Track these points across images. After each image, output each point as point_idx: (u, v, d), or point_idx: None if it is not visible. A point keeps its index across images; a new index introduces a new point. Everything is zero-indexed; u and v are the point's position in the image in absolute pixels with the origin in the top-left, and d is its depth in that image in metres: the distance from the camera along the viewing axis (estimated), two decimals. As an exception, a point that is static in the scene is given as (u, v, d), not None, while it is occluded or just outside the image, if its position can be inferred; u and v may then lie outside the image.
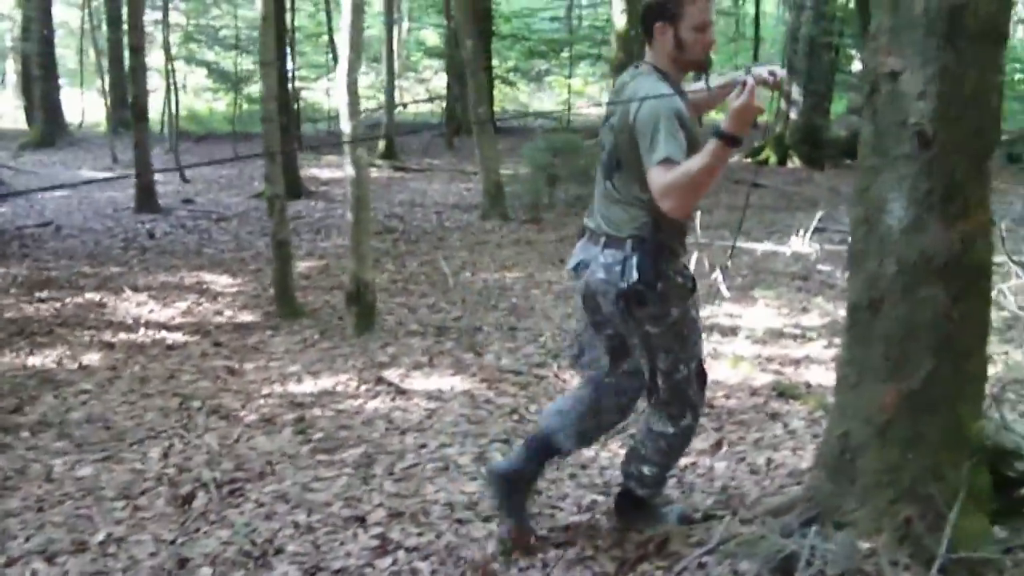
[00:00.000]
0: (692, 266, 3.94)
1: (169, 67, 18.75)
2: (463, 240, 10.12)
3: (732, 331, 6.43)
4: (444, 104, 23.32)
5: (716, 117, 3.41)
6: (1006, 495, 3.09)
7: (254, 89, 20.94)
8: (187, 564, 3.58)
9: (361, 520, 3.83)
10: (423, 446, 4.61)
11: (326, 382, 5.73)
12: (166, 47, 18.44)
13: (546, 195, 11.62)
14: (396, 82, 30.53)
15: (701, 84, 3.35)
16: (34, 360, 6.37)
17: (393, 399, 5.37)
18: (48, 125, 21.80)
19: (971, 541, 2.88)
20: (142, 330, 7.03)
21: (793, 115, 16.53)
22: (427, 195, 13.59)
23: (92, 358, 6.39)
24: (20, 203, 13.68)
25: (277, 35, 12.64)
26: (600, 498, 3.89)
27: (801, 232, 9.16)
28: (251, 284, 8.35)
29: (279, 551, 3.62)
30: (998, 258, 7.47)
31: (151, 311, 7.57)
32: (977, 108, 2.86)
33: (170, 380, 5.93)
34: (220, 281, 8.55)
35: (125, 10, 22.91)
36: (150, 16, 21.24)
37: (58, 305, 7.78)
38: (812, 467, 3.44)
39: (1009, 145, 17.31)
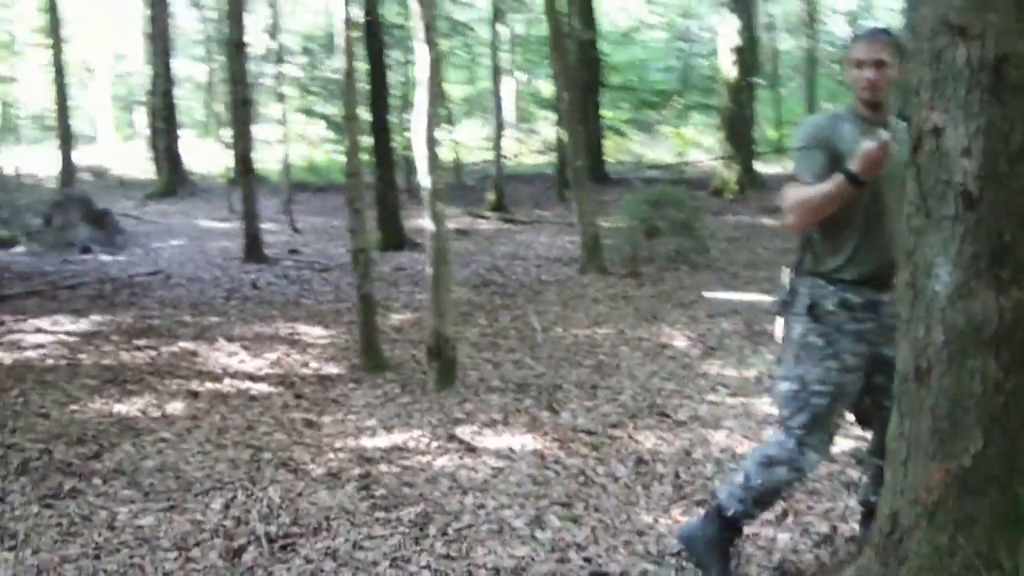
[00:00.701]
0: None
1: (284, 119, 19.20)
2: (559, 294, 10.06)
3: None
4: (556, 156, 23.36)
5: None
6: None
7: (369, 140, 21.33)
8: (226, 622, 3.57)
9: (405, 582, 3.77)
10: (481, 506, 4.54)
11: (398, 437, 5.70)
12: (279, 99, 18.88)
13: (646, 248, 11.49)
14: (512, 133, 31.00)
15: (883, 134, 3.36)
16: (120, 407, 6.48)
17: (462, 457, 5.31)
18: (170, 176, 22.57)
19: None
20: (228, 380, 7.12)
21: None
22: (531, 247, 13.58)
23: (176, 407, 6.48)
24: (138, 252, 14.14)
25: (376, 88, 12.92)
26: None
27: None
28: (343, 336, 8.41)
29: (318, 612, 3.58)
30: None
31: (241, 361, 7.67)
32: (1023, 163, 2.71)
33: (247, 431, 5.97)
34: (313, 332, 8.63)
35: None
36: (272, 69, 21.85)
37: (153, 353, 7.93)
38: (866, 545, 3.27)
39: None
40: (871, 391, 3.56)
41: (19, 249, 13.66)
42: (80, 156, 28.89)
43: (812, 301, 3.54)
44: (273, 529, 4.37)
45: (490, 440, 5.58)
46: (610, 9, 31.22)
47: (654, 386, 6.57)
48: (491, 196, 17.34)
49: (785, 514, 4.31)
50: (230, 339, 8.39)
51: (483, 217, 16.61)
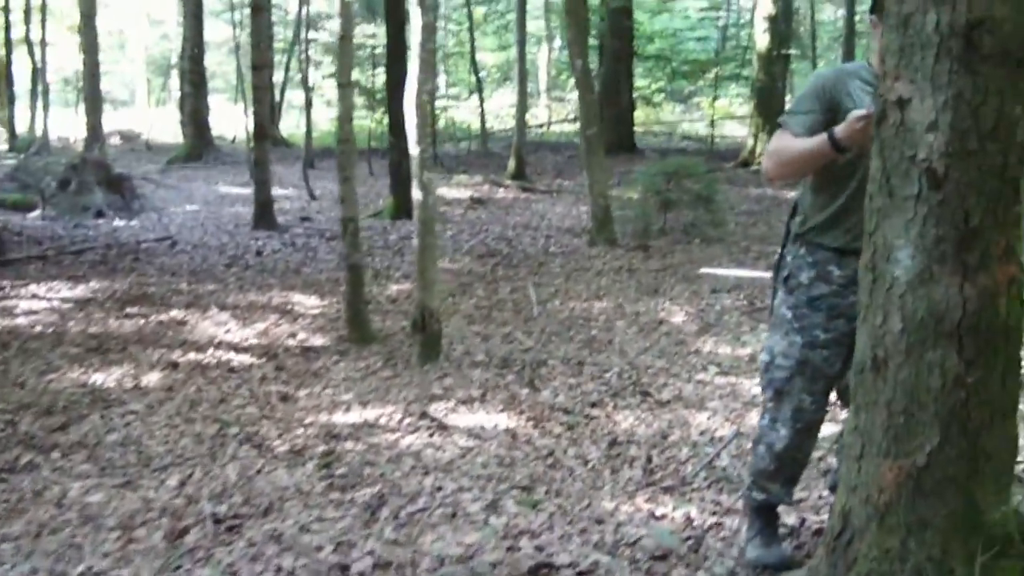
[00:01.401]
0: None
1: (306, 83, 19.00)
2: (564, 266, 9.80)
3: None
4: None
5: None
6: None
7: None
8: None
9: (344, 569, 3.57)
10: (440, 488, 4.33)
11: (371, 413, 5.51)
12: (302, 65, 18.67)
13: (659, 221, 11.21)
14: (544, 101, 30.69)
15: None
16: (97, 377, 6.33)
17: (431, 435, 5.11)
18: (196, 140, 22.40)
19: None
20: (211, 351, 6.95)
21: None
22: (545, 217, 13.31)
23: (152, 378, 6.32)
24: (153, 216, 14.02)
25: (393, 53, 12.64)
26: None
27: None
28: (336, 306, 8.20)
29: (247, 600, 3.40)
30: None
31: (227, 331, 7.50)
32: (997, 142, 2.44)
33: (219, 405, 5.81)
34: (307, 302, 8.44)
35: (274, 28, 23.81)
36: (303, 33, 21.67)
37: (142, 322, 7.78)
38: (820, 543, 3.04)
39: None
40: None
41: (35, 213, 13.55)
42: (114, 120, 29.00)
43: (789, 271, 3.36)
44: (223, 509, 4.20)
45: (463, 418, 5.38)
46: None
47: (642, 364, 6.33)
48: (512, 164, 17.05)
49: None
50: (222, 308, 8.22)
51: (502, 185, 16.34)
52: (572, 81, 28.92)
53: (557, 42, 30.63)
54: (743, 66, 23.76)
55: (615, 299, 8.25)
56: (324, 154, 20.71)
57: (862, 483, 2.67)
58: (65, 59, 30.40)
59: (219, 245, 11.46)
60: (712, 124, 23.80)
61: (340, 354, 6.83)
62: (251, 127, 20.39)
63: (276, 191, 15.87)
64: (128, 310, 8.12)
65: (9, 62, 26.17)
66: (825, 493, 4.01)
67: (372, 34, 22.13)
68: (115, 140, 25.80)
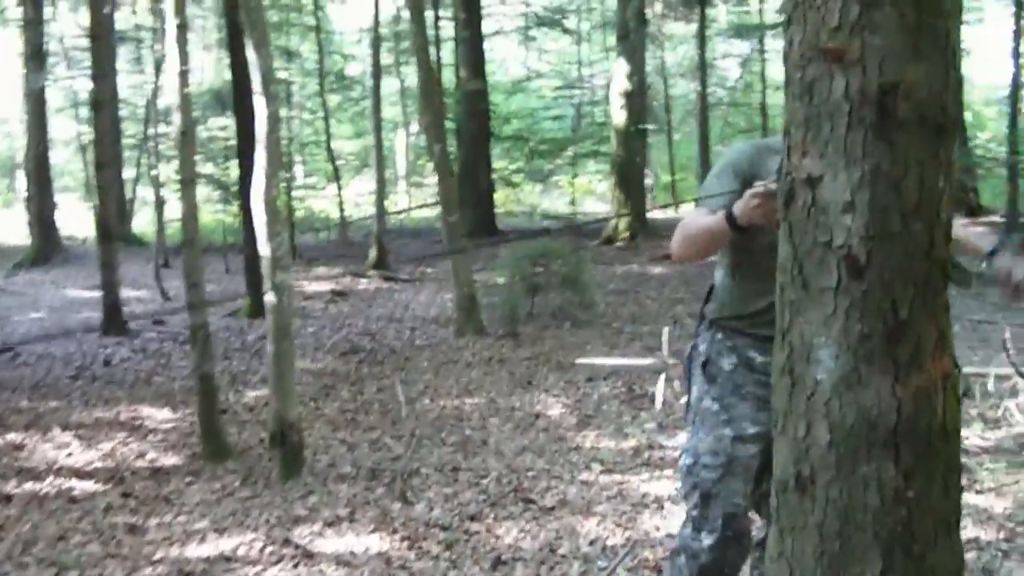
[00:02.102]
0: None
1: (156, 182, 18.35)
2: (431, 359, 9.35)
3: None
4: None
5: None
6: None
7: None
8: None
9: None
10: (305, 635, 3.83)
11: (228, 543, 4.96)
12: (140, 160, 18.03)
13: (527, 306, 10.87)
14: (405, 187, 30.40)
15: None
16: (-86, 521, 5.63)
17: (296, 565, 4.60)
18: (43, 242, 21.33)
19: None
20: (50, 479, 6.28)
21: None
22: (409, 308, 12.85)
23: (-19, 515, 5.65)
24: (-3, 325, 13.15)
25: (243, 145, 12.13)
26: None
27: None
28: (189, 419, 7.58)
29: None
30: (1003, 370, 6.68)
31: (69, 455, 6.82)
32: (922, 220, 2.12)
33: (58, 543, 5.17)
34: (158, 416, 7.81)
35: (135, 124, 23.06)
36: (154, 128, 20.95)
37: (-26, 448, 7.06)
38: None
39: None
40: (770, 473, 2.98)
41: None
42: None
43: (707, 358, 3.04)
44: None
45: (331, 542, 4.87)
46: (500, 59, 30.90)
47: (522, 465, 5.92)
48: (373, 254, 16.60)
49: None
50: (65, 427, 7.52)
51: (364, 276, 15.87)
52: (431, 166, 28.86)
53: (414, 127, 30.45)
54: (601, 143, 23.86)
55: (487, 393, 7.84)
56: (179, 252, 19.88)
57: (795, 620, 2.29)
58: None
59: (65, 355, 10.69)
60: (573, 202, 23.79)
61: (194, 474, 6.24)
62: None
63: (128, 293, 15.14)
64: (-42, 436, 7.38)
65: None
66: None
67: (224, 126, 21.54)
68: (-39, 244, 24.59)
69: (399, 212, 26.10)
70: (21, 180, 31.71)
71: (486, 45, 22.50)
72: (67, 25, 26.49)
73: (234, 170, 20.54)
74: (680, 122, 28.91)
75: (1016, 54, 17.13)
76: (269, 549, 4.83)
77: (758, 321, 2.92)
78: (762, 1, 24.31)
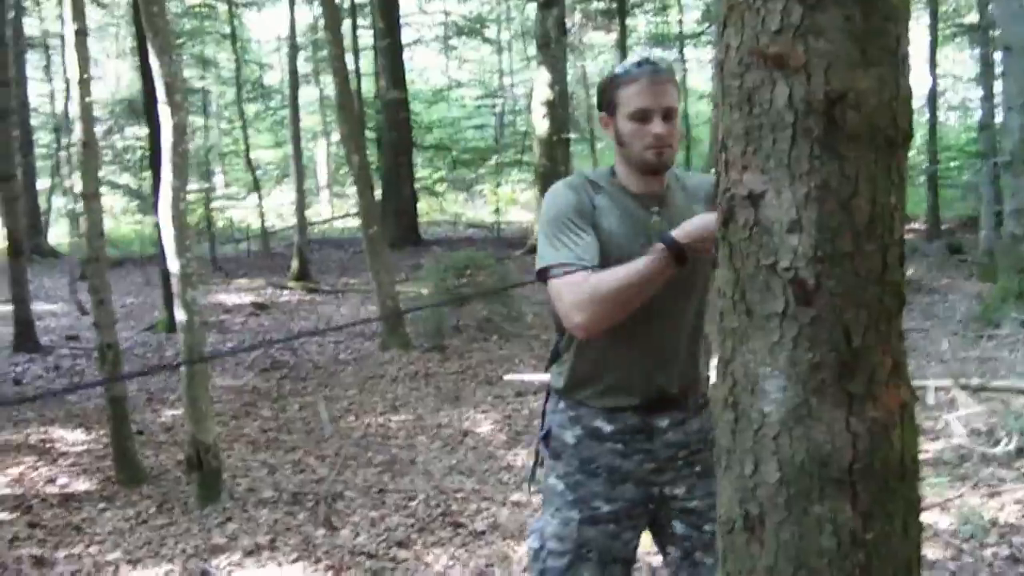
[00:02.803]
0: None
1: (70, 192, 17.85)
2: (356, 374, 9.12)
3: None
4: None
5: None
6: None
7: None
8: None
9: None
10: None
11: (142, 575, 4.70)
12: (53, 171, 17.55)
13: (452, 318, 10.66)
14: (327, 197, 30.01)
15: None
16: None
17: (213, 601, 4.36)
18: (-57, 258, 20.64)
19: None
20: (-49, 508, 5.96)
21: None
22: (332, 321, 12.59)
23: None
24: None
25: (156, 157, 11.76)
26: None
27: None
28: (105, 440, 7.26)
29: None
30: (943, 382, 6.63)
31: (-26, 481, 6.50)
32: (874, 239, 1.97)
33: (-43, 579, 4.88)
34: (69, 438, 7.48)
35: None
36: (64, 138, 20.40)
37: None
38: None
39: (949, 235, 16.92)
40: (672, 540, 2.75)
41: None
42: None
43: (548, 430, 2.72)
44: None
45: (251, 573, 4.66)
46: (420, 68, 30.68)
47: (451, 486, 5.72)
48: (295, 265, 16.27)
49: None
50: (-31, 451, 7.17)
51: (286, 288, 15.54)
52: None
53: (335, 136, 30.05)
54: (523, 152, 23.74)
55: (414, 410, 7.63)
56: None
57: (743, 672, 2.12)
58: None
59: (-26, 373, 10.27)
60: (497, 211, 23.62)
61: (107, 500, 5.96)
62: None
63: (43, 307, 14.71)
64: None
65: None
66: None
67: (140, 136, 21.06)
68: None
69: (321, 222, 25.74)
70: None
71: (406, 54, 22.33)
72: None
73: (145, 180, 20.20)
74: (602, 130, 28.85)
75: (933, 64, 17.35)
76: (185, 583, 4.58)
77: (604, 389, 2.63)
78: (681, 12, 24.35)
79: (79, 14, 6.02)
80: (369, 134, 21.73)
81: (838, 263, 1.94)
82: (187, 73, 24.45)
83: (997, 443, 5.70)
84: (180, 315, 5.58)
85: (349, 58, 20.49)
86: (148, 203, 20.21)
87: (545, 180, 18.35)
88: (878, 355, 1.98)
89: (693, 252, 2.33)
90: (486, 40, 26.34)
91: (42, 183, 24.39)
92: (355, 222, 24.73)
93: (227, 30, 22.64)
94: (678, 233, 2.34)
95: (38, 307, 14.66)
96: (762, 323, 2.01)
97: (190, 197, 22.55)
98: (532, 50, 22.37)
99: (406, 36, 22.52)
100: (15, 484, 6.42)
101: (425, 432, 6.99)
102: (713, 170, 2.33)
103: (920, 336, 8.87)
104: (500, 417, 7.22)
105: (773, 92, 1.97)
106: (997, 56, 13.70)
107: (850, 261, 1.94)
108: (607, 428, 2.63)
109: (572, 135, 21.22)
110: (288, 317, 13.08)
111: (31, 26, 24.53)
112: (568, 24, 20.17)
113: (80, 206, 18.55)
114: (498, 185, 25.54)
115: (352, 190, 27.72)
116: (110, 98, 25.33)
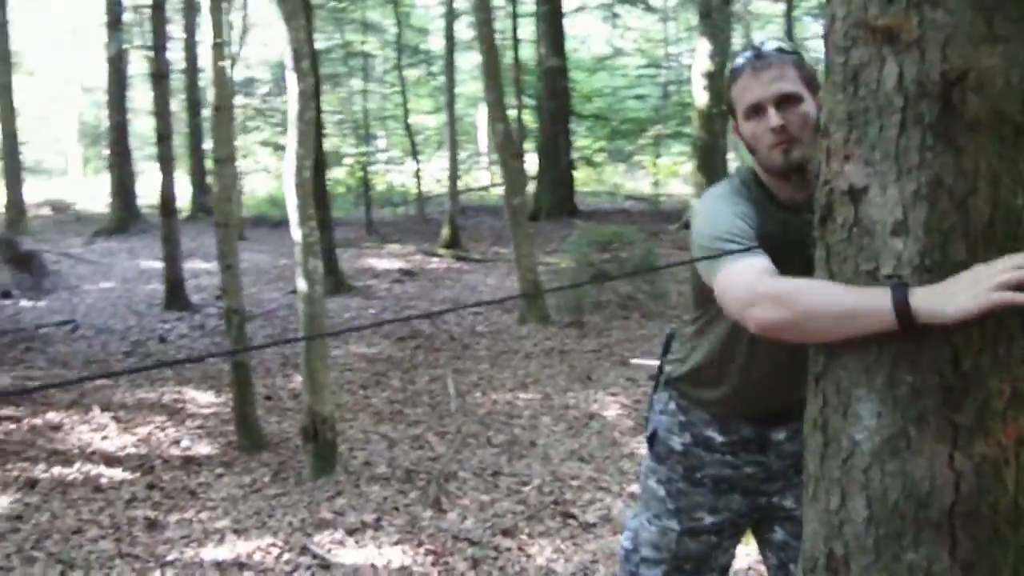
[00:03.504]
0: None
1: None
2: (490, 348, 8.98)
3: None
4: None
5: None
6: None
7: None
8: None
9: None
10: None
11: (245, 546, 4.66)
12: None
13: (594, 293, 10.42)
14: (487, 165, 30.05)
15: None
16: (-65, 505, 5.43)
17: (310, 577, 4.27)
18: (122, 212, 21.39)
19: None
20: (79, 464, 6.05)
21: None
22: (476, 291, 12.50)
23: (1, 503, 5.42)
24: (64, 296, 13.08)
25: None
26: None
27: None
28: (231, 404, 7.34)
29: None
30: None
31: (105, 438, 6.60)
32: (993, 246, 1.68)
33: (72, 537, 4.92)
34: (201, 399, 7.56)
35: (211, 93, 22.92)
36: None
37: (12, 427, 6.86)
38: None
39: None
40: (771, 547, 2.53)
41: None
42: (46, 190, 28.07)
43: (654, 431, 2.54)
44: None
45: (351, 552, 4.54)
46: (583, 36, 30.33)
47: (567, 473, 5.52)
48: (445, 232, 16.27)
49: None
50: (106, 407, 7.31)
51: (435, 255, 15.56)
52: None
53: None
54: (684, 124, 23.24)
55: (543, 388, 7.44)
56: (259, 222, 19.95)
57: None
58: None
59: (124, 329, 10.54)
60: (656, 183, 23.24)
61: (226, 465, 5.96)
62: (192, 196, 19.77)
63: (198, 265, 15.06)
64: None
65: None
66: None
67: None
68: (45, 211, 24.88)
69: (479, 189, 25.78)
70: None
71: (568, 22, 22.02)
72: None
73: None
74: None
75: None
76: (286, 557, 4.52)
77: (720, 395, 2.40)
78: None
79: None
80: (528, 101, 21.60)
81: (948, 273, 1.67)
82: (349, 37, 24.79)
83: None
84: (301, 284, 5.51)
85: (507, 24, 20.39)
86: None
87: (703, 153, 17.87)
88: (994, 382, 1.69)
89: (941, 318, 1.64)
90: (650, 8, 25.77)
91: (208, 143, 25.09)
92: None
93: (390, -6, 22.80)
94: (925, 303, 1.64)
95: (196, 265, 15.07)
96: (860, 340, 1.75)
97: (348, 160, 22.92)
98: (696, 19, 21.81)
99: (569, 3, 22.23)
100: (141, 444, 6.49)
101: (551, 412, 6.81)
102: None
103: None
104: (629, 401, 6.98)
105: (881, 71, 1.72)
106: None
107: (962, 271, 1.66)
108: (719, 439, 2.44)
109: (735, 107, 20.61)
110: (433, 285, 13.05)
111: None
112: (733, -8, 19.62)
113: (241, 166, 18.88)
114: (658, 156, 25.12)
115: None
116: (269, 60, 25.88)
